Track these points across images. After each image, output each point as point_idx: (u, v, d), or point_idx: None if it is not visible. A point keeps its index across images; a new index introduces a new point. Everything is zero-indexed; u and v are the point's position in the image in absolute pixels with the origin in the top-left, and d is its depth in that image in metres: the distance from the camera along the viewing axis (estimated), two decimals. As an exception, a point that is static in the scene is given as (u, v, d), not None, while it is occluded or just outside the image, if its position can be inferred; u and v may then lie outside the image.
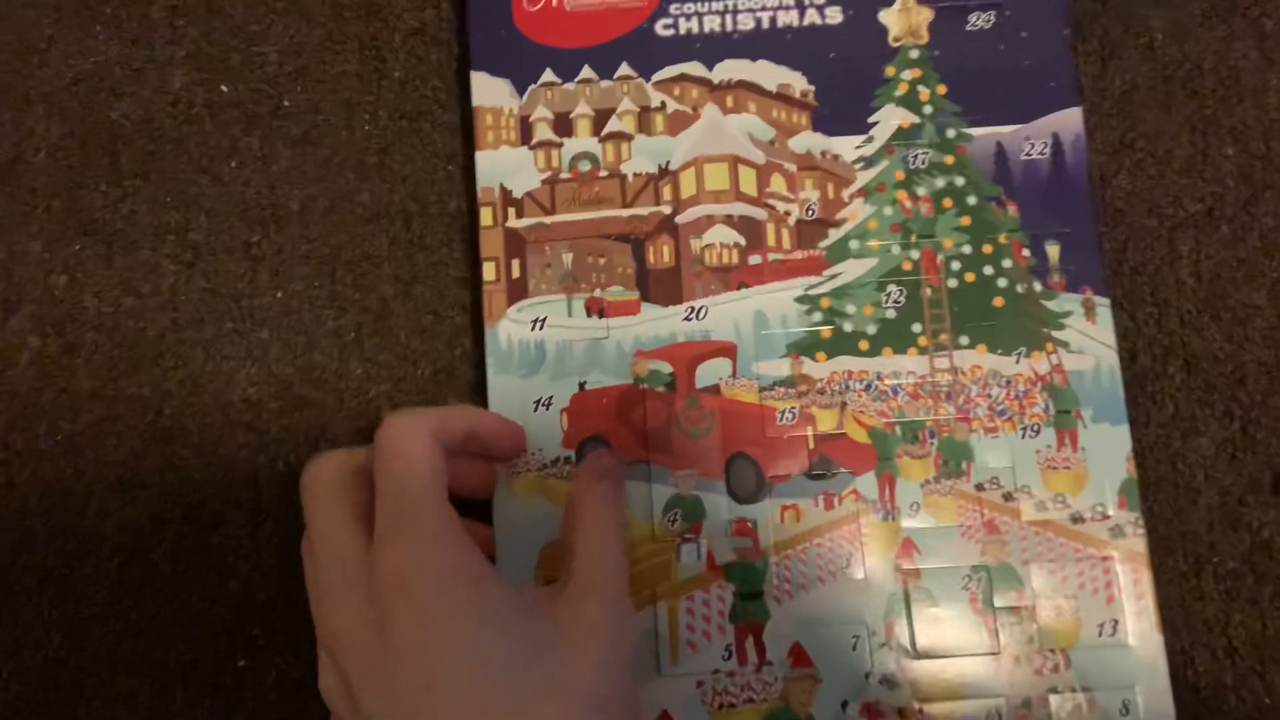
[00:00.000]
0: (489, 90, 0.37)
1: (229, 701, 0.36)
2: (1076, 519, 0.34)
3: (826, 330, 0.36)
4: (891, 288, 0.36)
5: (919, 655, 0.33)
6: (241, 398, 0.37)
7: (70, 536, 0.37)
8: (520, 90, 0.37)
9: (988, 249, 0.36)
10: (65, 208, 0.39)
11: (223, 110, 0.40)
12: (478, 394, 0.36)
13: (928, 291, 0.36)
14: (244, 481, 0.37)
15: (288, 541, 0.37)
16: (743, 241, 0.36)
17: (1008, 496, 0.34)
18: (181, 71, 0.40)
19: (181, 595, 0.36)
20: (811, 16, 0.37)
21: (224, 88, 0.40)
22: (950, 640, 0.33)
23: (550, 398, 0.35)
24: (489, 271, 0.36)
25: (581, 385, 0.35)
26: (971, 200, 0.36)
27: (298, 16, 0.40)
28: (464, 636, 0.27)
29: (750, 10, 0.37)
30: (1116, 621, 0.33)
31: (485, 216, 0.36)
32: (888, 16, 0.37)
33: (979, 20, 0.37)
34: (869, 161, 0.37)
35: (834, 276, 0.36)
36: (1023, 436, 0.35)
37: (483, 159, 0.37)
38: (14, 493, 0.37)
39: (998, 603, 0.34)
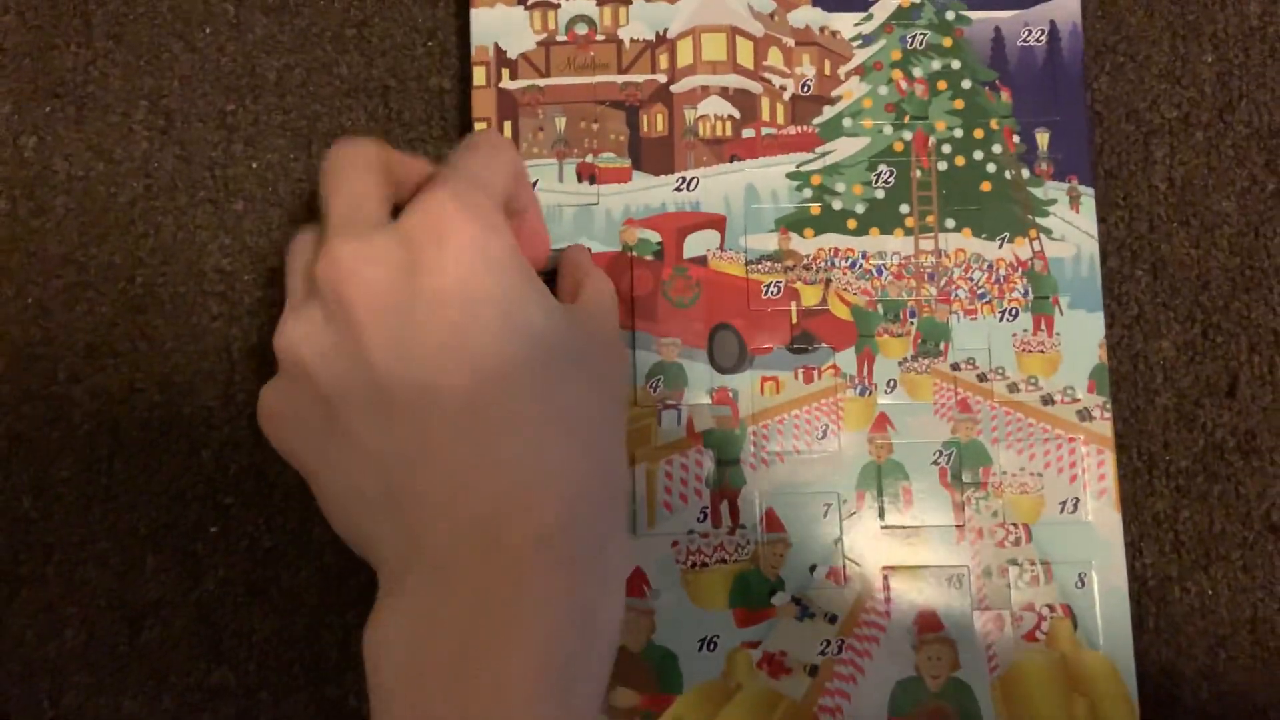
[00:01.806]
0: (487, -54, 0.36)
1: (199, 566, 0.36)
2: (1047, 400, 0.35)
3: (816, 207, 0.36)
4: (882, 168, 0.36)
5: (886, 525, 0.34)
6: (215, 268, 0.37)
7: (39, 400, 0.37)
8: (519, -52, 0.37)
9: (979, 134, 0.36)
10: (35, 68, 0.38)
11: None
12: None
13: (917, 173, 0.36)
14: (216, 352, 0.37)
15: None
16: (737, 114, 0.36)
17: (982, 377, 0.35)
18: None
19: (153, 463, 0.36)
20: (818, -114, 0.37)
21: None
22: (917, 512, 0.34)
23: (538, 261, 0.35)
24: (481, 131, 0.36)
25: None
26: (966, 84, 0.36)
27: None
28: (505, 295, 0.26)
29: (757, -125, 0.37)
30: (1078, 500, 0.35)
31: (478, 76, 0.36)
32: (895, -109, 0.37)
33: (986, -99, 0.37)
34: (867, 40, 0.37)
35: (826, 154, 0.36)
36: (1000, 320, 0.35)
37: (479, 17, 0.36)
38: None
39: (965, 478, 0.35)
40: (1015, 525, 0.34)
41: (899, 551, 0.34)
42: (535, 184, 0.36)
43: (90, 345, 0.37)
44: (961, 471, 0.35)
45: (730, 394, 0.35)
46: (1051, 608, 0.34)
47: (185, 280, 0.37)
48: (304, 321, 0.26)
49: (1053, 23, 0.37)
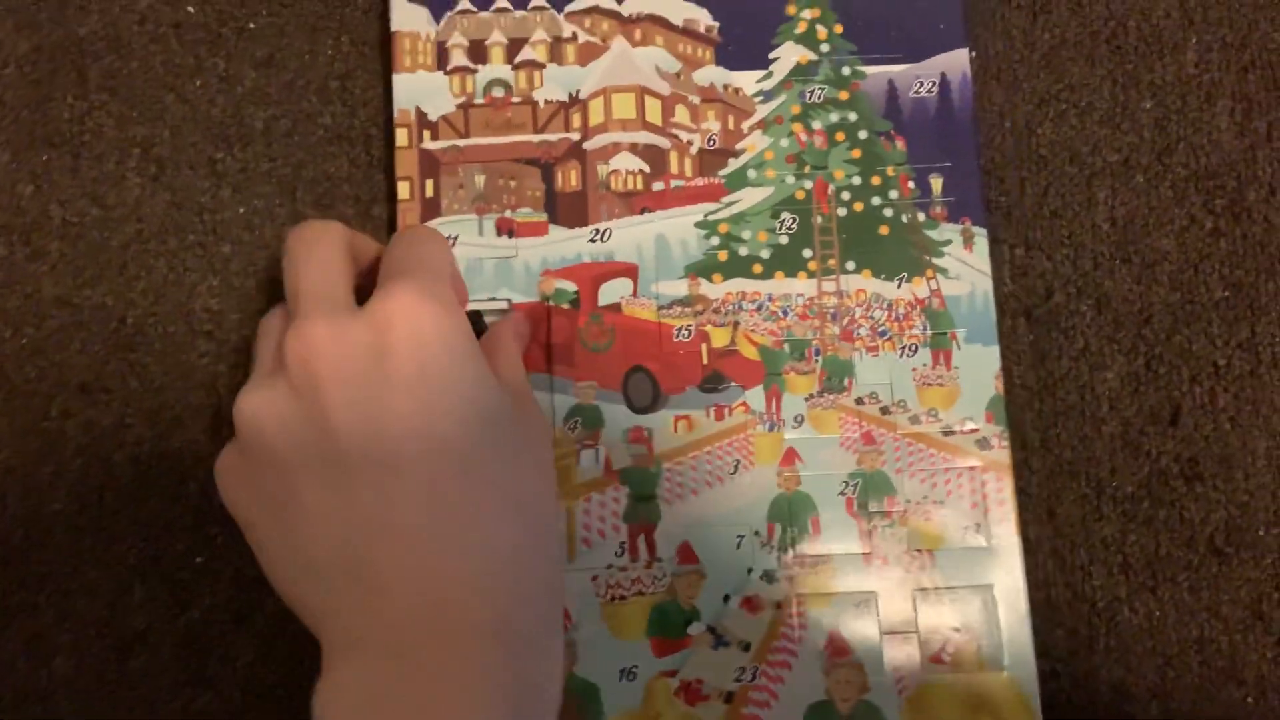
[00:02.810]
0: (407, 16, 0.39)
1: (186, 596, 0.38)
2: (947, 431, 0.37)
3: (723, 254, 0.38)
4: (785, 215, 0.38)
5: (797, 554, 0.36)
6: (203, 308, 0.39)
7: (33, 436, 0.38)
8: (437, 17, 0.39)
9: (876, 180, 0.38)
10: (32, 119, 0.41)
11: (189, 30, 0.41)
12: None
13: (818, 219, 0.38)
14: (204, 388, 0.39)
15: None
16: (647, 168, 0.38)
17: (885, 410, 0.37)
18: None
19: (141, 495, 0.38)
20: (716, -46, 0.39)
21: (190, 8, 0.41)
22: (826, 541, 0.36)
23: (460, 311, 0.37)
24: (403, 190, 0.38)
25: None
26: (863, 135, 0.39)
27: None
28: (466, 382, 0.28)
29: (657, -53, 0.39)
30: (979, 525, 0.36)
31: (401, 137, 0.38)
32: (789, -43, 0.39)
33: (875, -37, 0.39)
34: (768, 95, 0.39)
35: (732, 204, 0.38)
36: (901, 355, 0.37)
37: (399, 82, 0.38)
38: None
39: (871, 507, 0.36)
40: (920, 551, 0.36)
41: (809, 579, 0.36)
42: (455, 239, 0.38)
43: (83, 383, 0.39)
44: (868, 501, 0.36)
45: (645, 433, 0.37)
46: (957, 630, 0.35)
47: (175, 320, 0.39)
48: (269, 391, 0.28)
49: (943, 74, 0.39)
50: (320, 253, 0.30)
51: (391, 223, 0.39)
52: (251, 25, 0.41)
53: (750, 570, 0.36)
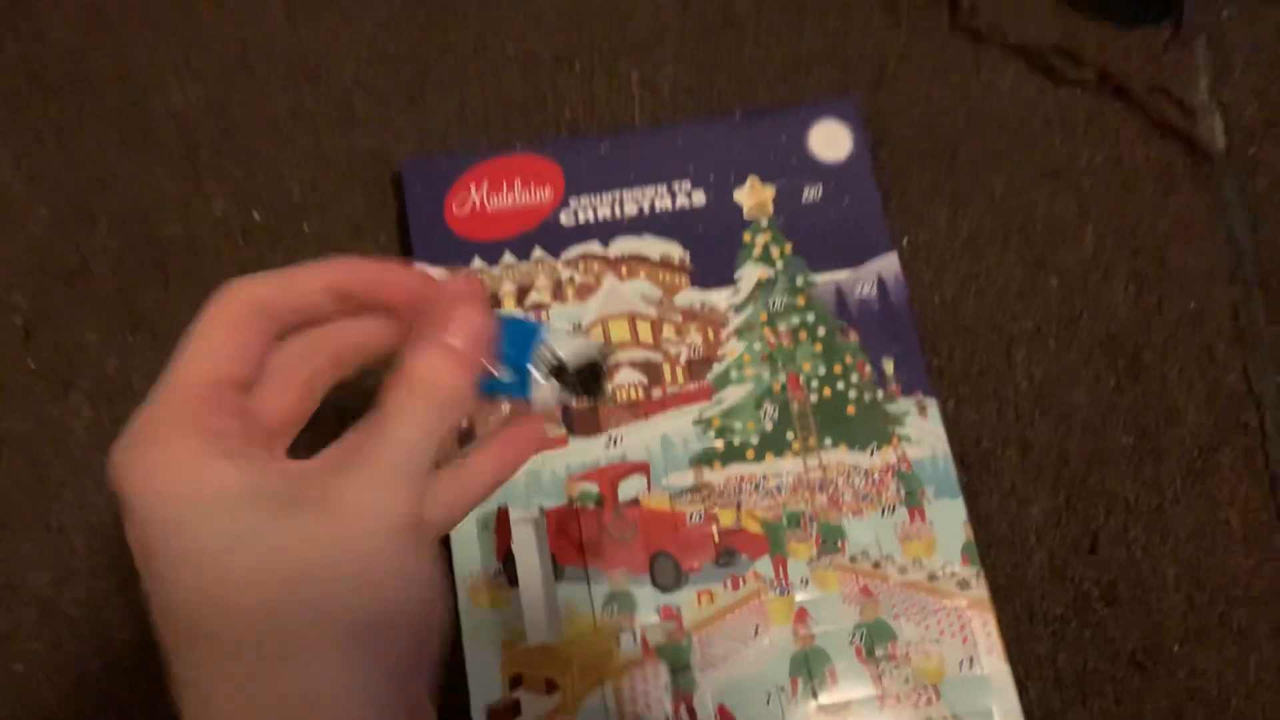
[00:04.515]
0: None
1: None
2: (932, 577, 0.43)
3: (720, 444, 0.44)
4: (766, 405, 0.45)
5: (820, 704, 0.41)
6: None
7: (109, 574, 0.45)
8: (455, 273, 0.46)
9: (838, 369, 0.45)
10: (120, 306, 0.48)
11: (255, 232, 0.49)
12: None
13: (795, 406, 0.45)
14: None
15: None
16: (645, 380, 0.45)
17: (876, 565, 0.43)
18: (221, 200, 0.50)
19: None
20: (682, 200, 0.47)
21: (255, 214, 0.49)
22: (843, 688, 0.41)
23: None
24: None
25: (501, 510, 0.43)
26: (821, 331, 0.46)
27: (318, 159, 0.50)
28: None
29: (634, 199, 0.47)
30: (972, 658, 0.42)
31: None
32: (740, 195, 0.48)
33: (811, 193, 0.48)
34: (738, 308, 0.46)
35: (720, 401, 0.45)
36: (882, 515, 0.44)
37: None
38: (63, 535, 0.45)
39: (877, 653, 0.42)
40: (925, 687, 0.41)
41: (834, 724, 0.41)
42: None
43: None
44: (874, 647, 0.42)
45: (674, 609, 0.42)
46: (967, 754, 0.40)
47: None
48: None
49: (879, 276, 0.47)
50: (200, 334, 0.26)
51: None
52: (306, 228, 0.49)
53: (781, 723, 0.40)
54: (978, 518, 0.45)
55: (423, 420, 0.25)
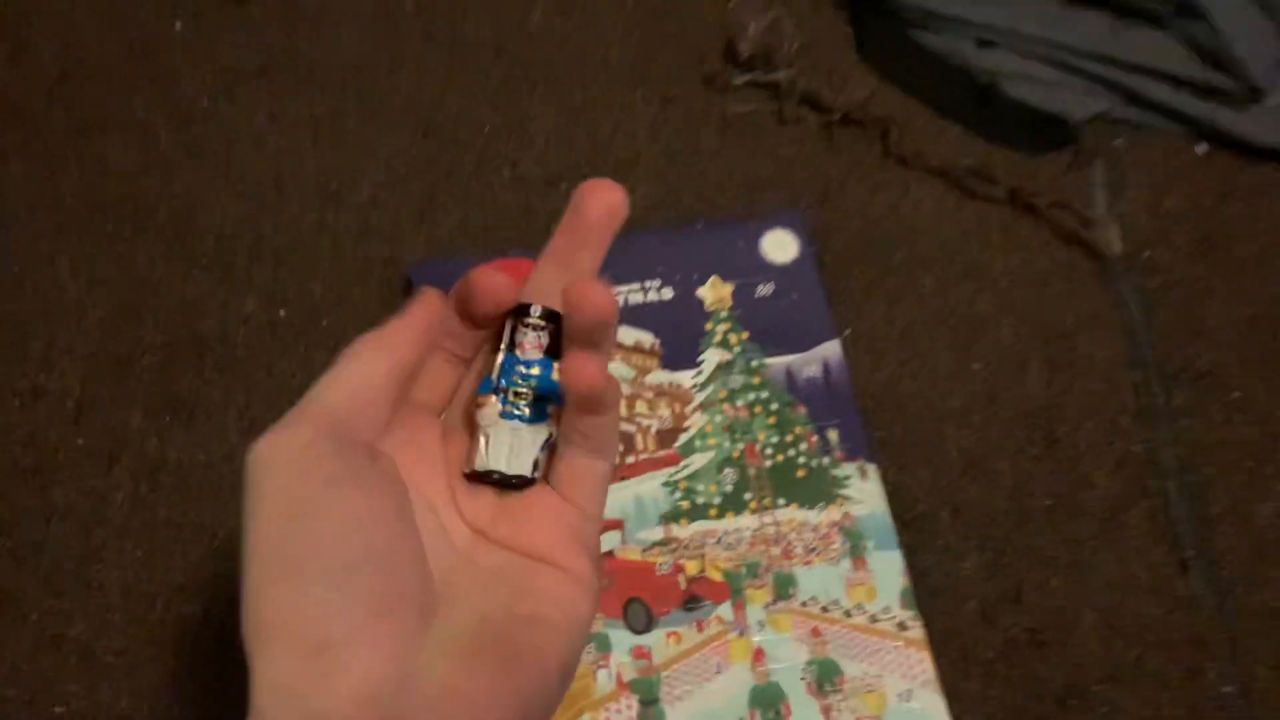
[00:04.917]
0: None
1: None
2: (874, 620, 0.48)
3: (685, 504, 0.50)
4: (727, 470, 0.51)
5: (776, 732, 0.46)
6: None
7: (142, 626, 0.50)
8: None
9: (789, 438, 0.52)
10: (161, 392, 0.55)
11: (280, 327, 0.57)
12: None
13: (752, 471, 0.51)
14: None
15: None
16: (621, 448, 0.52)
17: (824, 609, 0.49)
18: (252, 300, 0.57)
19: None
20: (653, 296, 0.55)
21: (281, 312, 0.57)
22: (796, 719, 0.46)
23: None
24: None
25: None
26: (775, 406, 0.53)
27: (338, 265, 0.58)
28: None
29: (610, 294, 0.55)
30: (910, 690, 0.47)
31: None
32: (703, 291, 0.55)
33: (764, 289, 0.56)
34: (701, 386, 0.53)
35: (686, 466, 0.51)
36: (830, 565, 0.49)
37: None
38: (103, 592, 0.50)
39: (826, 687, 0.47)
40: (869, 716, 0.46)
41: (788, 751, 0.45)
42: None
43: (180, 583, 0.51)
44: (823, 682, 0.47)
45: (645, 649, 0.47)
46: (909, 778, 0.45)
47: None
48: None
49: (824, 360, 0.54)
50: (344, 369, 0.31)
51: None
52: (324, 322, 0.57)
53: (741, 750, 0.45)
54: (916, 571, 0.50)
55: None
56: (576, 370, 0.28)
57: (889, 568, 0.49)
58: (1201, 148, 0.63)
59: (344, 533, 0.26)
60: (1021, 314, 0.58)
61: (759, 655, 0.47)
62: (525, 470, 0.31)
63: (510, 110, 0.63)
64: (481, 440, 0.31)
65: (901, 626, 0.48)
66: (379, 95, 0.64)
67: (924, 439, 0.55)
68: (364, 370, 0.30)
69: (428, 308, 0.32)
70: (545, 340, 0.31)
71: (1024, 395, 0.56)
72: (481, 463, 0.31)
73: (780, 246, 0.56)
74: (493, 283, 0.30)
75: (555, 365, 0.31)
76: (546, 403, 0.31)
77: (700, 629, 0.48)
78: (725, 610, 0.48)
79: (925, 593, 0.50)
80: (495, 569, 0.30)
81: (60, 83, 0.63)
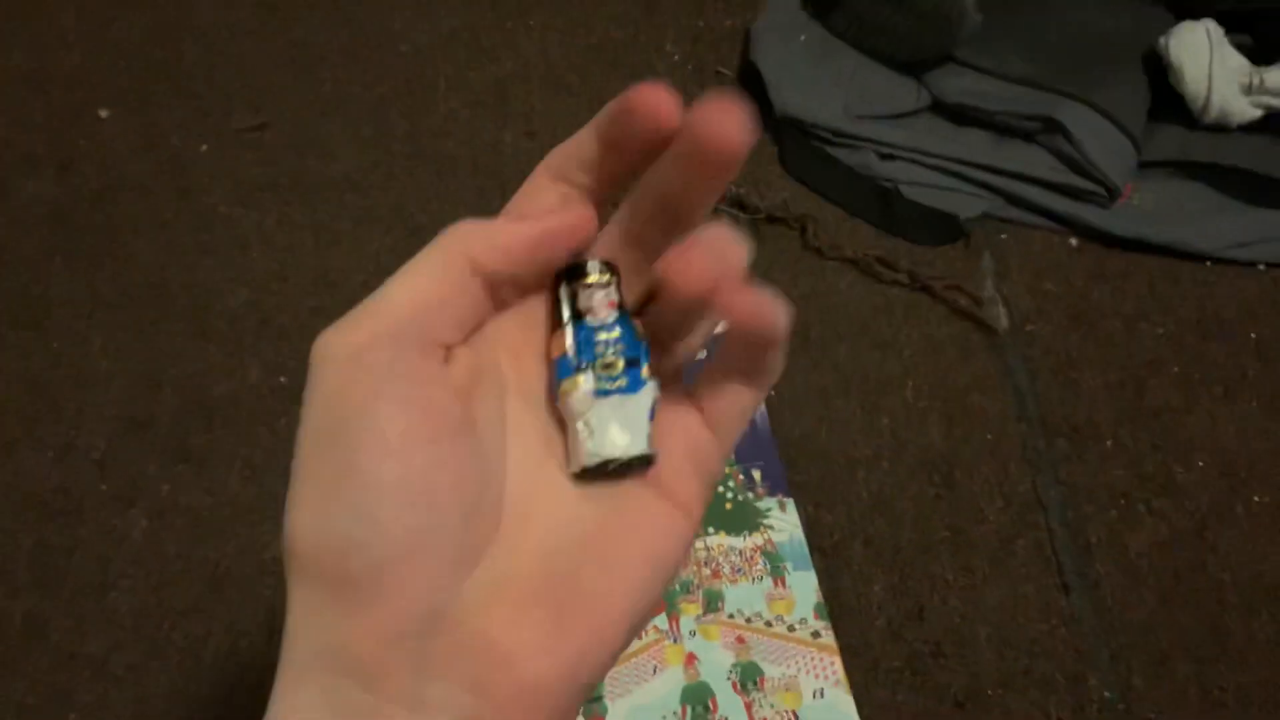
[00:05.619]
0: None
1: None
2: (791, 629, 0.56)
3: (628, 533, 0.58)
4: (664, 504, 0.59)
5: (705, 725, 0.52)
6: (272, 556, 0.59)
7: (149, 644, 0.57)
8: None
9: (718, 478, 0.60)
10: (173, 446, 0.63)
11: (280, 391, 0.65)
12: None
13: (686, 505, 0.59)
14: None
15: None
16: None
17: (748, 620, 0.56)
18: (256, 369, 0.66)
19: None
20: (601, 358, 0.64)
21: (282, 379, 0.65)
22: (723, 713, 0.53)
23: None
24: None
25: None
26: (706, 452, 0.61)
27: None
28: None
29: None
30: (823, 689, 0.54)
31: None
32: (645, 356, 0.65)
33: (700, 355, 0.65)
34: (643, 435, 0.62)
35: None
36: (753, 583, 0.57)
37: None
38: (117, 614, 0.56)
39: (749, 686, 0.54)
40: (786, 712, 0.53)
41: (715, 741, 0.52)
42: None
43: (197, 606, 0.55)
44: (746, 682, 0.54)
45: (591, 655, 0.54)
46: (821, 764, 0.51)
47: (250, 566, 0.58)
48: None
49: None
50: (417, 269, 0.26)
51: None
52: None
53: (674, 740, 0.52)
54: (832, 592, 0.58)
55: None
56: (746, 308, 0.25)
57: (805, 585, 0.57)
58: (1073, 240, 0.74)
59: (377, 458, 0.23)
60: (923, 377, 0.68)
61: (690, 659, 0.54)
62: (644, 447, 0.26)
63: (484, 214, 0.74)
64: (581, 430, 0.26)
65: (815, 635, 0.55)
66: (371, 203, 0.75)
67: (838, 481, 0.63)
68: (447, 267, 0.26)
69: (572, 220, 0.27)
70: (615, 296, 0.27)
71: (926, 445, 0.65)
72: (591, 455, 0.26)
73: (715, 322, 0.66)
74: (657, 97, 0.24)
75: (632, 320, 0.27)
76: (639, 365, 0.26)
77: (640, 636, 0.55)
78: (661, 621, 0.55)
79: (839, 611, 0.58)
80: (586, 489, 0.26)
81: (99, 194, 0.74)
